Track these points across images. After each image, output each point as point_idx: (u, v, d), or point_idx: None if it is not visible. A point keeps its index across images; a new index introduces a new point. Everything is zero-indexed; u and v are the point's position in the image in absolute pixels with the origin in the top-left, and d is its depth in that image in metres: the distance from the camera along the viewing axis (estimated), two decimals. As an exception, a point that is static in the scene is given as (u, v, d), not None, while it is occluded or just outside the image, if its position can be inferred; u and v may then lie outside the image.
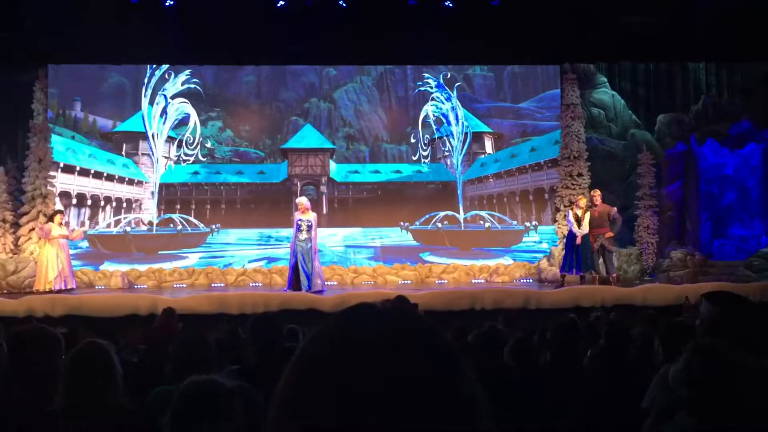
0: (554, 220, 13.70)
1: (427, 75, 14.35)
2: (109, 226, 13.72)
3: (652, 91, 13.94)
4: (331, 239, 13.63)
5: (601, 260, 11.48)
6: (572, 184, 13.44)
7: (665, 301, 10.06)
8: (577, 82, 13.84)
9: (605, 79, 14.11)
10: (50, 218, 11.74)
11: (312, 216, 10.96)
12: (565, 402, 3.26)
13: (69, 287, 11.26)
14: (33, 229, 12.82)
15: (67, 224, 12.41)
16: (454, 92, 14.27)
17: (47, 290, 10.98)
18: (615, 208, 11.61)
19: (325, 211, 13.85)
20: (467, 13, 12.51)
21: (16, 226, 12.89)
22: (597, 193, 11.71)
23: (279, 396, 0.74)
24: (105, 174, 13.81)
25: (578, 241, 11.14)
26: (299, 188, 13.97)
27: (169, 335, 5.64)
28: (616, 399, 3.38)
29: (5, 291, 11.64)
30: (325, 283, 11.43)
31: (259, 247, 13.73)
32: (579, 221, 11.25)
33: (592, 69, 14.10)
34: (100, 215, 13.73)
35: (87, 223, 13.47)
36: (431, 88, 14.35)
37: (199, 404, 2.02)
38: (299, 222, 10.77)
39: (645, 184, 13.34)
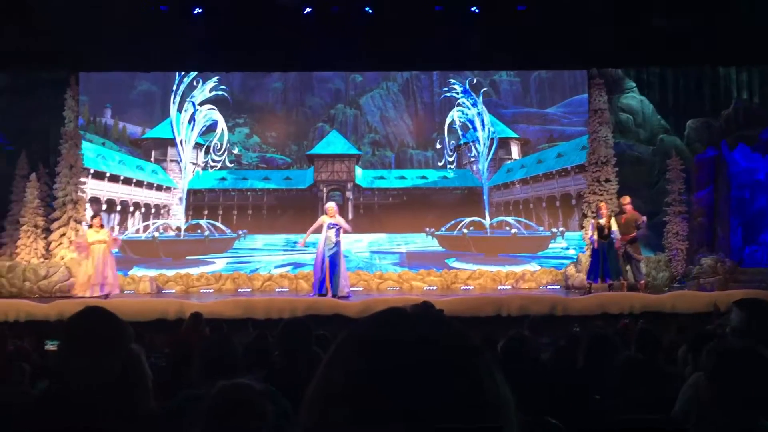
0: (581, 226, 13.58)
1: (453, 81, 14.34)
2: (138, 231, 13.90)
3: (681, 96, 13.79)
4: (357, 245, 13.65)
5: (628, 267, 11.37)
6: (600, 190, 13.31)
7: (695, 309, 9.93)
8: (605, 87, 13.72)
9: (633, 84, 13.99)
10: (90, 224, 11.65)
11: (339, 220, 11.04)
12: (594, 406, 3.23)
13: (96, 294, 10.94)
14: (64, 234, 13.03)
15: (106, 227, 12.18)
16: (480, 98, 14.24)
17: (80, 296, 10.90)
18: (644, 218, 11.48)
19: (350, 217, 13.89)
20: (493, 18, 12.49)
21: (47, 231, 13.10)
22: (627, 200, 11.62)
23: (309, 399, 0.74)
24: (134, 180, 14.00)
25: (617, 245, 11.02)
26: (325, 194, 14.03)
27: (196, 340, 5.68)
28: (647, 406, 3.33)
29: (37, 295, 11.82)
30: (351, 288, 11.46)
31: (285, 253, 13.80)
32: (602, 230, 11.12)
33: (620, 74, 13.99)
34: (129, 221, 13.92)
35: (117, 229, 13.63)
36: (457, 93, 14.34)
37: (232, 407, 2.03)
38: (330, 226, 10.84)
39: (674, 190, 13.16)
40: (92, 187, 13.62)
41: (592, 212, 12.58)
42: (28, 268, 12.40)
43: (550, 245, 13.94)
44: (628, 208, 11.58)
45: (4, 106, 13.49)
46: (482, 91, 14.29)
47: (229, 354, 3.32)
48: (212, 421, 2.03)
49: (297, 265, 13.56)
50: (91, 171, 13.65)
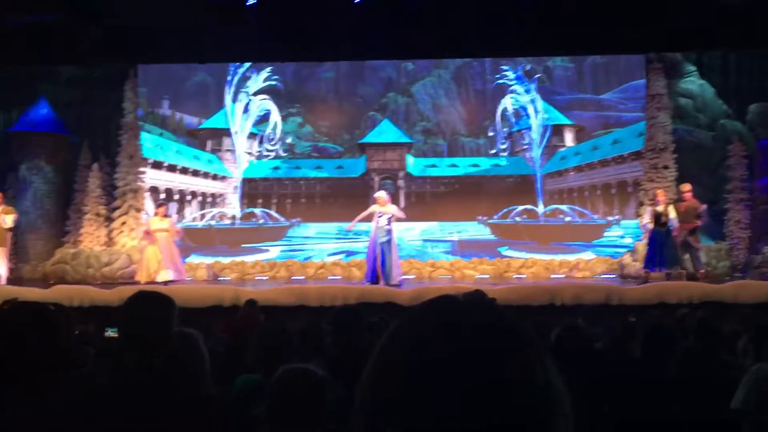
0: (638, 215, 13.29)
1: (505, 67, 14.17)
2: (195, 219, 14.22)
3: (744, 80, 13.32)
4: (409, 233, 13.66)
5: (687, 256, 11.07)
6: (658, 177, 12.99)
7: (757, 299, 9.62)
8: (664, 71, 13.35)
9: (694, 68, 13.57)
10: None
11: (392, 208, 11.05)
12: (654, 397, 3.18)
13: (163, 279, 11.21)
14: (125, 222, 13.44)
15: (170, 217, 12.44)
16: (534, 84, 14.04)
17: (146, 282, 11.16)
18: (704, 206, 11.15)
19: (402, 206, 13.87)
20: (547, 3, 12.26)
21: (109, 220, 13.52)
22: (687, 188, 11.29)
23: (363, 386, 0.76)
24: (191, 170, 14.31)
25: (675, 233, 10.75)
26: (377, 182, 14.07)
27: (252, 326, 5.80)
28: (706, 398, 3.27)
29: (99, 281, 12.21)
30: (403, 276, 11.48)
31: (337, 241, 13.92)
32: (659, 218, 10.84)
33: (679, 57, 13.58)
34: (187, 209, 14.24)
35: (175, 217, 13.92)
36: (510, 80, 14.16)
37: (295, 391, 2.08)
38: (380, 215, 10.89)
39: (736, 177, 12.76)
40: (151, 177, 13.97)
41: (650, 200, 12.30)
42: (91, 255, 12.82)
43: (606, 233, 13.70)
44: (688, 195, 11.25)
45: (68, 98, 13.96)
46: (535, 77, 14.08)
47: (283, 340, 3.39)
48: (275, 405, 2.08)
49: (349, 254, 13.66)
50: (150, 161, 14.00)
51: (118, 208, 13.52)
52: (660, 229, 10.83)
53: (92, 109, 13.93)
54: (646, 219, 11.18)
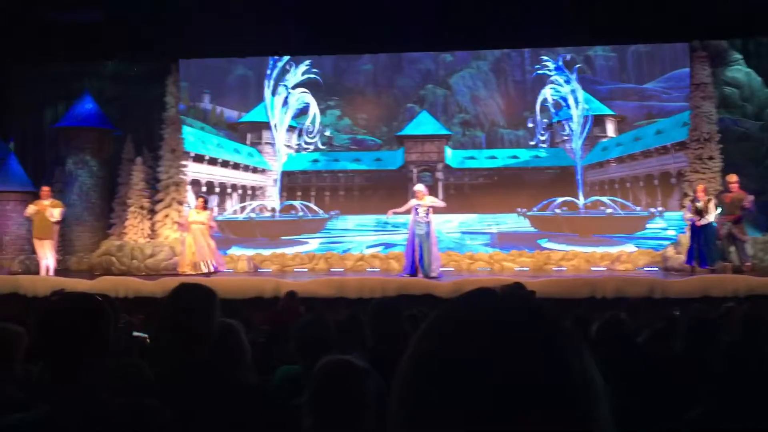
0: (682, 206, 13.03)
1: (545, 57, 14.00)
2: (235, 212, 14.40)
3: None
4: (447, 225, 13.63)
5: (732, 248, 10.81)
6: (702, 168, 12.71)
7: (807, 293, 9.35)
8: (709, 59, 13.03)
9: (740, 56, 13.21)
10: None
11: (430, 200, 11.04)
12: (696, 394, 3.13)
13: (201, 271, 11.43)
14: (168, 215, 13.68)
15: (208, 210, 12.58)
16: (574, 74, 13.84)
17: (184, 273, 11.37)
18: (751, 197, 10.85)
19: (440, 198, 13.86)
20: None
21: (152, 212, 13.78)
22: (733, 179, 11.01)
23: (399, 377, 0.76)
24: (231, 163, 14.49)
25: (697, 224, 10.51)
26: (415, 175, 14.06)
27: (292, 317, 5.85)
28: (751, 394, 3.20)
29: (144, 273, 12.46)
30: (442, 269, 11.46)
31: (376, 233, 13.96)
32: (701, 214, 10.59)
33: (724, 45, 13.24)
34: (228, 202, 14.43)
35: (216, 210, 14.12)
36: (550, 70, 13.99)
37: (337, 382, 2.10)
38: (418, 208, 10.89)
39: (784, 167, 12.43)
40: (193, 170, 14.19)
41: (691, 192, 12.05)
42: (135, 247, 13.09)
43: (648, 225, 13.46)
44: (735, 187, 10.97)
45: (112, 93, 14.25)
46: (576, 67, 13.88)
47: (323, 332, 3.42)
48: (317, 395, 2.11)
49: (388, 246, 13.69)
50: (192, 154, 14.22)
51: (161, 200, 13.77)
52: (702, 224, 10.61)
53: (135, 104, 14.21)
54: (688, 215, 10.96)
